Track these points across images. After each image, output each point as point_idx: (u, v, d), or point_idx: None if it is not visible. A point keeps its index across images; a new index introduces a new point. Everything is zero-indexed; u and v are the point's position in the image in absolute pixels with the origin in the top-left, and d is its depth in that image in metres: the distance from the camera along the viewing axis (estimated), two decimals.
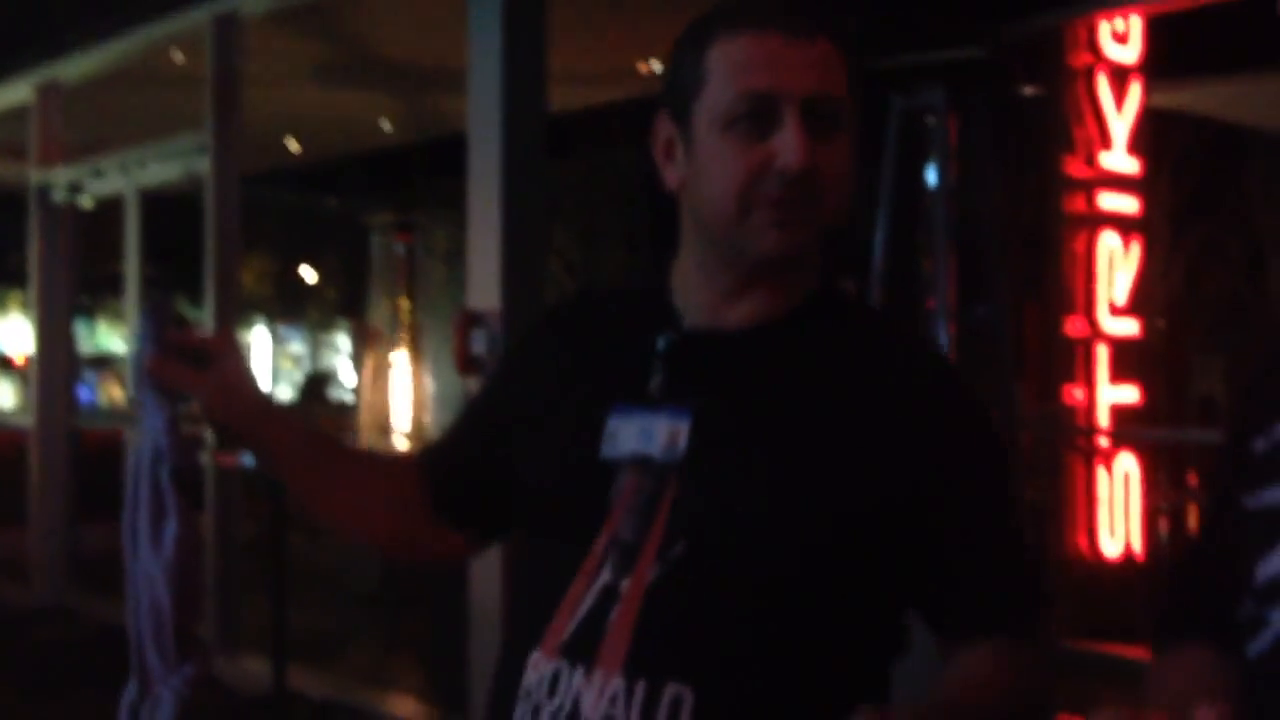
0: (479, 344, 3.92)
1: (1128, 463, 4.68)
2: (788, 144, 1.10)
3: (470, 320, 4.01)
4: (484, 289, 4.14)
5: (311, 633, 5.57)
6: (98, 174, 6.78)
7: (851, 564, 1.10)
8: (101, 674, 5.83)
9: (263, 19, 5.80)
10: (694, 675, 1.06)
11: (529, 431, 1.25)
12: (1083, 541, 4.63)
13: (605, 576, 1.12)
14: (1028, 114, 4.45)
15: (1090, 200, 4.76)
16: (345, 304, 16.85)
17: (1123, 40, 4.83)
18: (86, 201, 7.09)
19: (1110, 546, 4.65)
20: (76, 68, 6.91)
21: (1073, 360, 4.68)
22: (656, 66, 6.64)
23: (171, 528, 1.19)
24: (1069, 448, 4.65)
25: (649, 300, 1.23)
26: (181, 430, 1.20)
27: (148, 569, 1.20)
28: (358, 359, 14.89)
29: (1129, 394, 4.79)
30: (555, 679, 1.10)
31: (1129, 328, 4.82)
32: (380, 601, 6.62)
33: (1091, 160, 4.75)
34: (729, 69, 1.12)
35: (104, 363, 10.92)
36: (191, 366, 1.21)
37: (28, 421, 7.27)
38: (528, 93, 4.24)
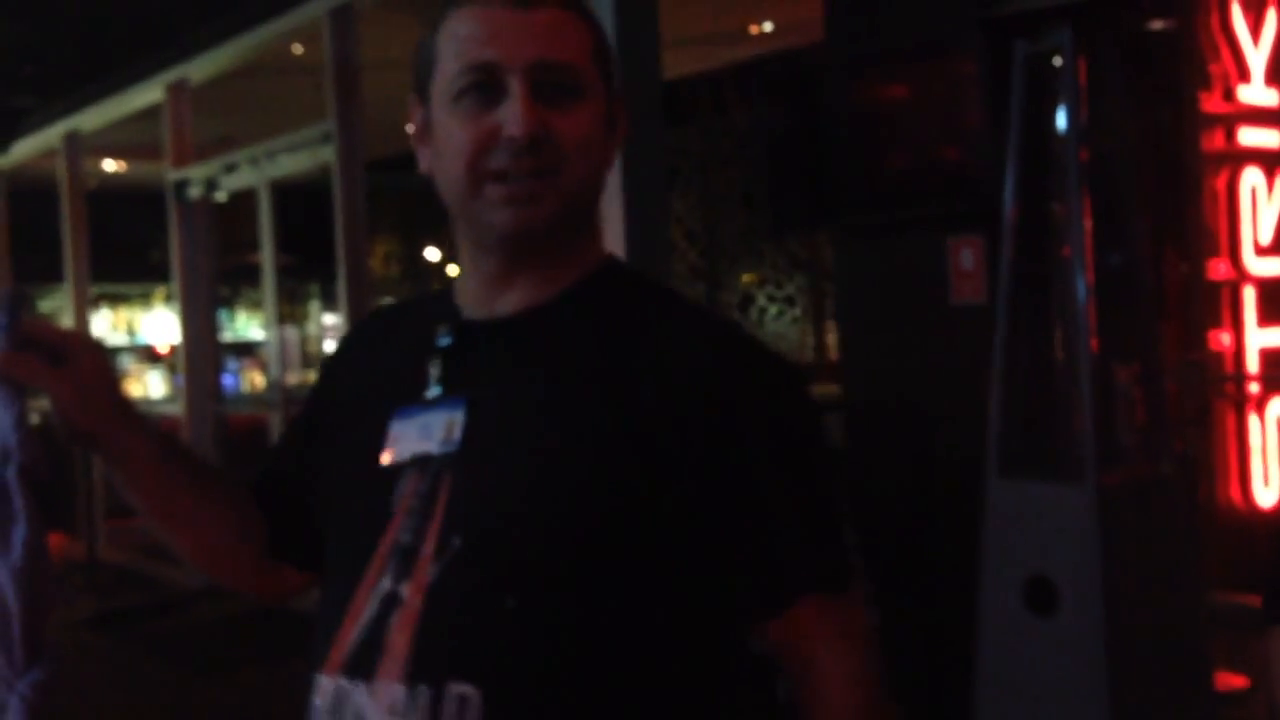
0: None
1: None
2: (511, 112, 1.07)
3: None
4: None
5: None
6: (230, 169, 6.99)
7: (625, 551, 1.05)
8: (260, 651, 6.08)
9: (376, 5, 5.90)
10: (478, 674, 1.02)
11: (322, 447, 1.23)
12: (1235, 492, 4.48)
13: (386, 583, 1.07)
14: (1158, 50, 4.28)
15: (1230, 136, 4.56)
16: None
17: None
18: (221, 196, 7.32)
19: (1265, 496, 4.48)
20: (202, 67, 7.12)
21: (1218, 304, 4.50)
22: (768, 28, 6.56)
23: (20, 530, 1.12)
24: (1218, 395, 4.49)
25: (439, 301, 1.20)
26: (30, 426, 1.12)
27: None
28: None
29: (1279, 337, 4.60)
30: (338, 699, 1.07)
31: (1276, 267, 4.62)
32: None
33: (1229, 94, 4.55)
34: (455, 44, 1.11)
35: (245, 350, 11.27)
36: (46, 362, 1.12)
37: (178, 409, 7.57)
38: (642, 61, 4.24)
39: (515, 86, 1.08)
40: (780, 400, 1.12)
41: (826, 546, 1.11)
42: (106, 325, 11.52)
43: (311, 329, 12.13)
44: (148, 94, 7.57)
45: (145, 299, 12.48)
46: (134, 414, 1.18)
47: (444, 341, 1.15)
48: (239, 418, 7.70)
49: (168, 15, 6.83)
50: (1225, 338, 4.52)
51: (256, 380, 10.54)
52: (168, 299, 10.72)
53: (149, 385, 10.28)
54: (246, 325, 11.46)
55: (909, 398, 4.05)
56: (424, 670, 1.03)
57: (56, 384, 1.12)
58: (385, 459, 1.13)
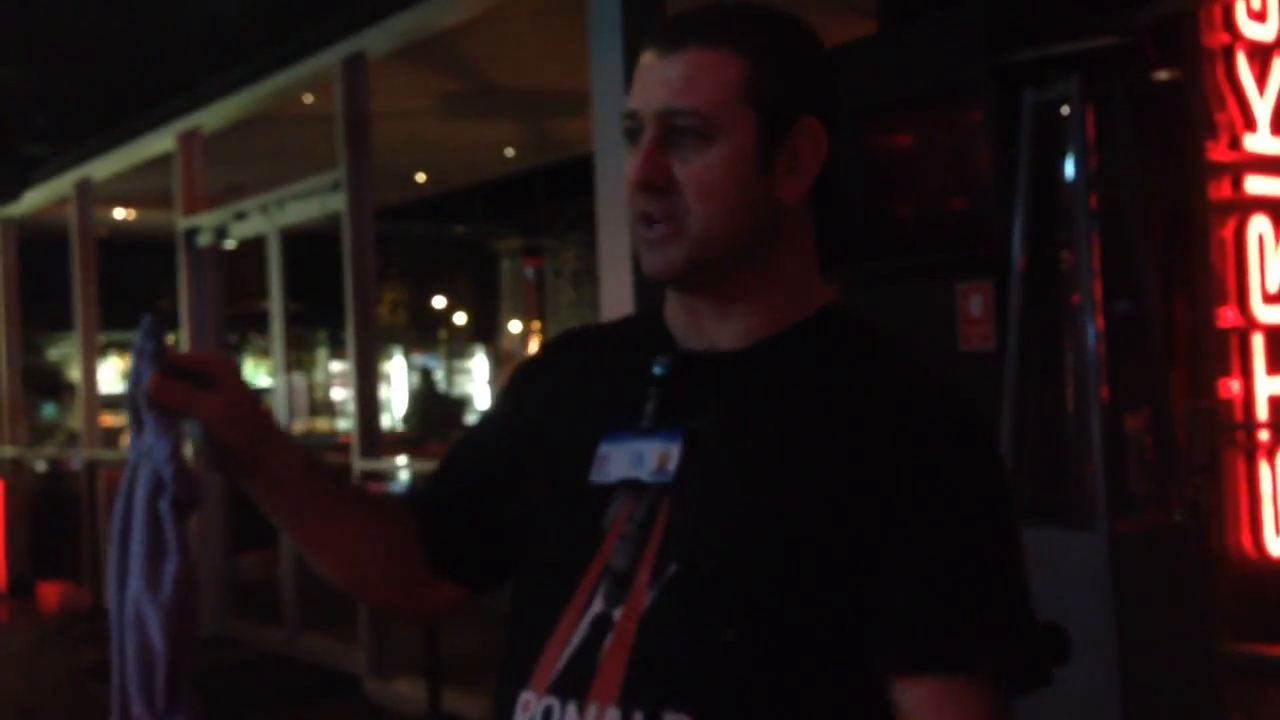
0: None
1: None
2: (633, 160, 1.10)
3: None
4: (618, 308, 4.17)
5: (464, 654, 5.66)
6: (240, 216, 7.03)
7: (837, 586, 1.04)
8: (263, 700, 6.01)
9: (387, 56, 5.96)
10: (693, 702, 1.02)
11: (521, 464, 1.21)
12: (1247, 541, 4.45)
13: (598, 606, 1.08)
14: (1166, 100, 4.31)
15: (1236, 184, 4.59)
16: (478, 329, 17.14)
17: (1260, 18, 4.65)
18: (230, 243, 7.35)
19: (1277, 545, 4.45)
20: (214, 116, 7.19)
21: (1227, 352, 4.51)
22: None
23: (172, 565, 1.09)
24: (1228, 443, 4.48)
25: (648, 329, 1.20)
26: (185, 458, 1.09)
27: (140, 608, 1.09)
28: (493, 382, 15.12)
29: None
30: (548, 716, 1.06)
31: None
32: None
33: (1236, 143, 4.58)
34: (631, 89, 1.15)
35: None
36: (194, 385, 1.10)
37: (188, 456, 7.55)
38: None
39: (646, 133, 1.10)
40: (975, 465, 1.07)
41: (957, 621, 1.03)
42: (114, 373, 11.54)
43: (319, 375, 12.15)
44: (159, 143, 7.63)
45: None
46: (279, 432, 1.17)
47: (660, 370, 1.15)
48: None
49: (180, 65, 6.91)
50: (1234, 385, 4.51)
51: None
52: (176, 346, 10.73)
53: None
54: (254, 372, 11.48)
55: None
56: (638, 696, 1.03)
57: (207, 406, 1.10)
58: (593, 478, 1.13)
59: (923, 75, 3.91)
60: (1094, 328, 3.09)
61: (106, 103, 7.70)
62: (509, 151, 8.51)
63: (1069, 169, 3.16)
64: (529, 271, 12.43)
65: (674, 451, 1.10)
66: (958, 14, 3.80)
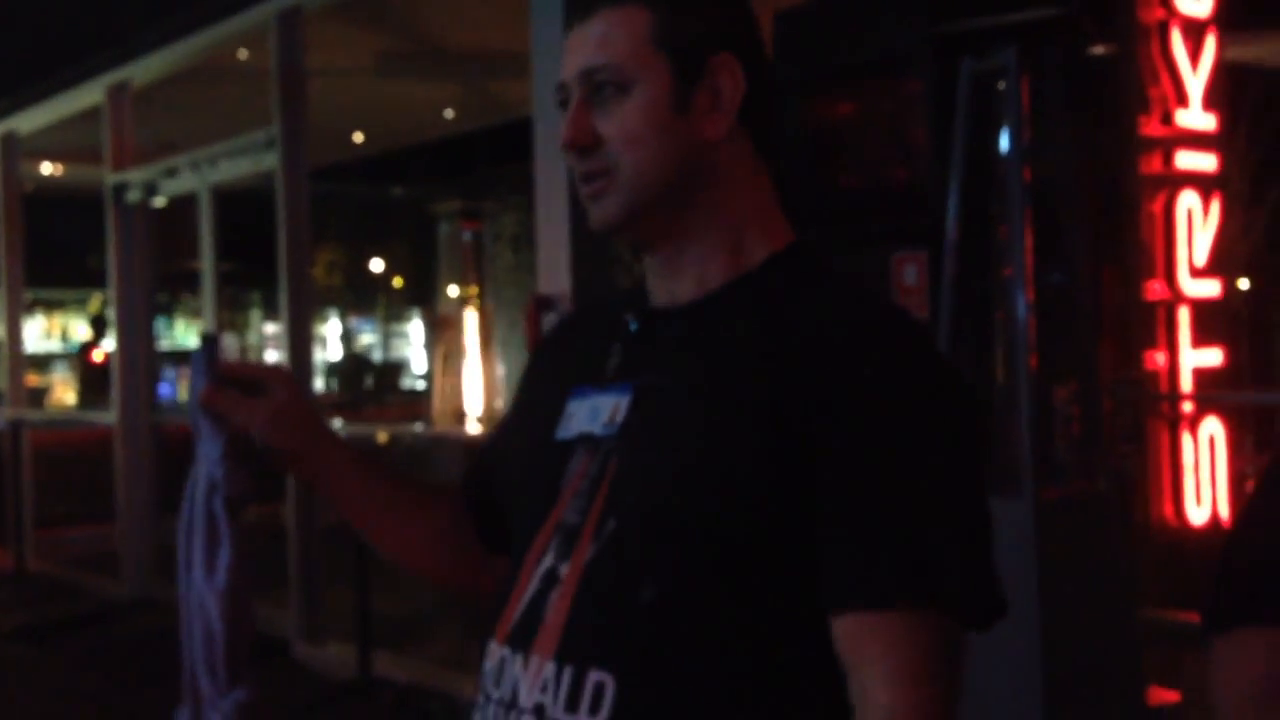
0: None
1: (1213, 427, 4.58)
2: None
3: (542, 304, 4.02)
4: (555, 273, 4.15)
5: (395, 618, 5.64)
6: (170, 173, 6.90)
7: (770, 539, 1.04)
8: None
9: (324, 12, 5.86)
10: (614, 662, 1.04)
11: (513, 431, 1.30)
12: (1169, 509, 4.55)
13: (549, 560, 1.11)
14: (1101, 73, 4.35)
15: (1167, 159, 4.65)
16: (415, 293, 17.00)
17: None
18: (160, 200, 7.21)
19: (1197, 514, 4.55)
20: (145, 70, 7.03)
21: (1154, 324, 4.58)
22: None
23: (225, 555, 1.21)
24: (1152, 414, 4.56)
25: (637, 290, 1.24)
26: (236, 460, 1.22)
27: (201, 594, 1.22)
28: (429, 347, 15.03)
29: (1212, 357, 4.68)
30: (501, 666, 1.11)
31: (1210, 289, 4.71)
32: None
33: (1168, 118, 4.64)
34: None
35: (182, 359, 11.11)
36: (245, 395, 1.24)
37: (111, 418, 7.44)
38: None
39: (573, 99, 1.15)
40: (919, 400, 1.05)
41: (886, 554, 1.02)
42: (40, 331, 11.32)
43: (252, 337, 12.00)
44: (88, 96, 7.45)
45: (81, 305, 12.27)
46: (330, 434, 1.28)
47: (632, 326, 1.18)
48: (174, 427, 7.57)
49: (111, 17, 6.74)
50: (1160, 357, 4.59)
51: None
52: (104, 305, 10.54)
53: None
54: (185, 333, 11.31)
55: None
56: (571, 652, 1.06)
57: (253, 412, 1.22)
58: (558, 433, 1.17)
59: (863, 44, 3.91)
60: (1024, 299, 3.13)
61: (34, 54, 7.50)
62: (449, 113, 8.42)
63: (1004, 141, 3.18)
64: (467, 235, 12.32)
65: (623, 405, 1.13)
66: None
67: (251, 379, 1.25)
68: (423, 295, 16.35)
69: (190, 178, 6.72)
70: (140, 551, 7.19)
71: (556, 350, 1.33)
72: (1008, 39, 3.15)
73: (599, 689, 1.04)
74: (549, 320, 4.03)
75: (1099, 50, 4.03)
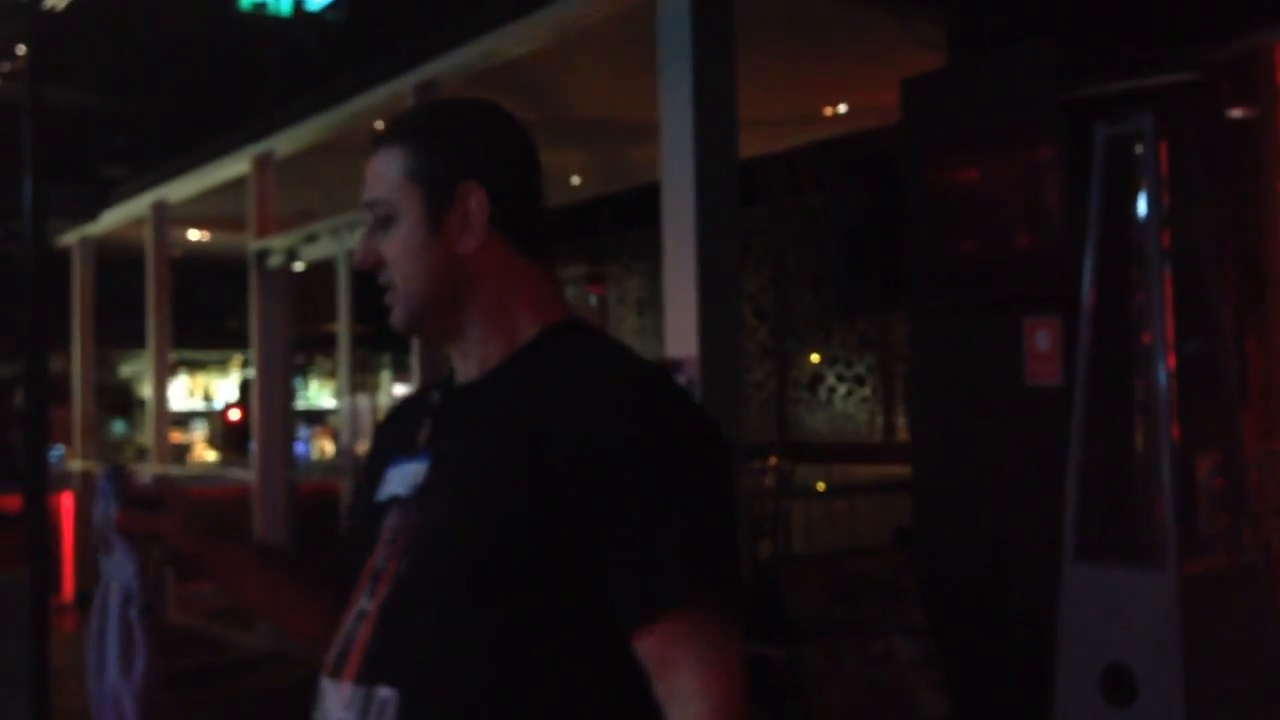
0: None
1: None
2: None
3: (670, 367, 4.05)
4: (682, 336, 4.18)
5: None
6: (310, 239, 7.14)
7: (531, 578, 1.23)
8: None
9: (458, 83, 6.04)
10: (398, 678, 1.25)
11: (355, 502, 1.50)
12: None
13: (362, 602, 1.32)
14: (1239, 136, 4.26)
15: None
16: None
17: None
18: (299, 265, 7.47)
19: None
20: (288, 141, 7.32)
21: None
22: (843, 109, 6.62)
23: (141, 659, 1.36)
24: None
25: (448, 376, 1.44)
26: (149, 574, 1.37)
27: (117, 692, 1.37)
28: None
29: None
30: (323, 695, 1.32)
31: None
32: None
33: None
34: None
35: (316, 418, 11.42)
36: (150, 512, 1.40)
37: (251, 475, 7.67)
38: (719, 141, 4.29)
39: (367, 225, 1.40)
40: (651, 444, 1.24)
41: (665, 568, 1.21)
42: (184, 390, 11.74)
43: (382, 398, 12.28)
44: (234, 166, 7.78)
45: (221, 365, 12.71)
46: (226, 535, 1.45)
47: (436, 402, 1.42)
48: (309, 484, 7.77)
49: (256, 91, 7.05)
50: None
51: (327, 448, 10.66)
52: (244, 365, 10.89)
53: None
54: (319, 393, 11.63)
55: (981, 479, 4.01)
56: (367, 674, 1.27)
57: (165, 525, 1.39)
58: (377, 497, 1.39)
59: (991, 109, 3.90)
60: (1165, 367, 3.06)
61: (183, 127, 7.87)
62: (575, 179, 8.58)
63: (1141, 206, 3.13)
64: (593, 299, 12.49)
65: (423, 470, 1.34)
66: (1027, 47, 3.78)
67: (152, 498, 1.40)
68: None
69: (329, 243, 6.94)
70: None
71: (388, 427, 1.52)
72: (1142, 103, 3.11)
73: (384, 704, 1.24)
74: (678, 382, 4.06)
75: (1238, 113, 3.94)
